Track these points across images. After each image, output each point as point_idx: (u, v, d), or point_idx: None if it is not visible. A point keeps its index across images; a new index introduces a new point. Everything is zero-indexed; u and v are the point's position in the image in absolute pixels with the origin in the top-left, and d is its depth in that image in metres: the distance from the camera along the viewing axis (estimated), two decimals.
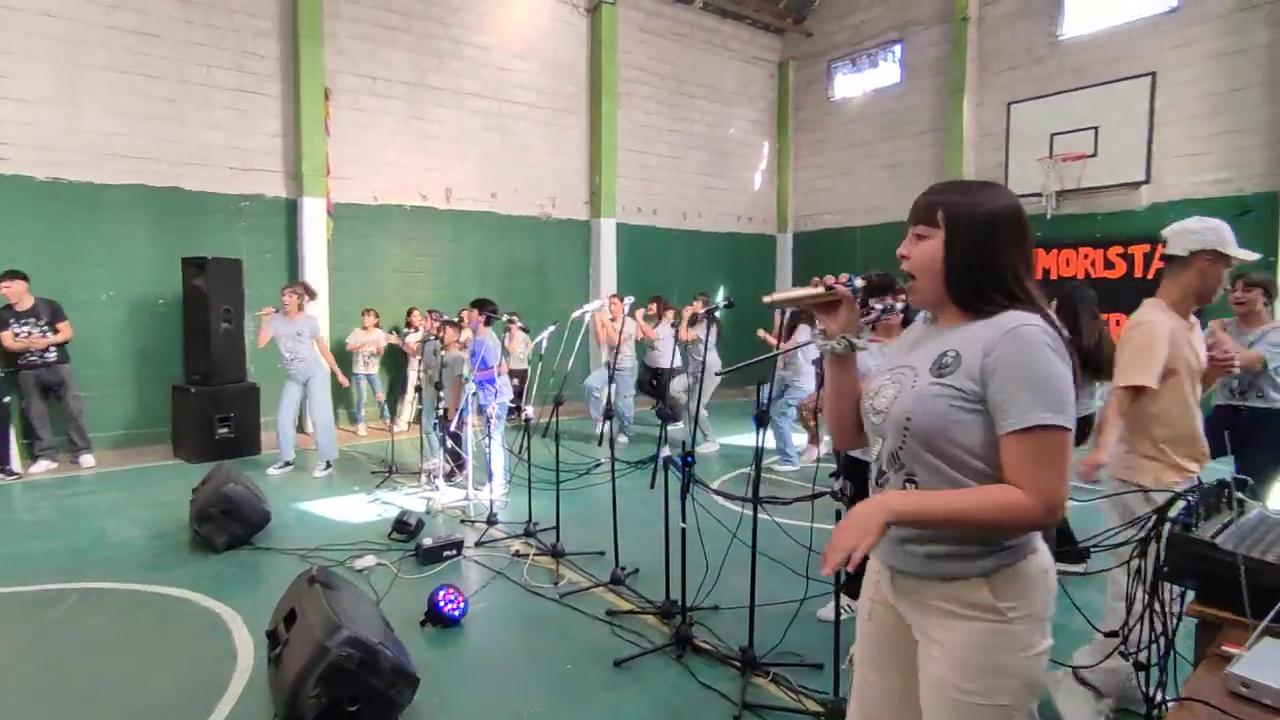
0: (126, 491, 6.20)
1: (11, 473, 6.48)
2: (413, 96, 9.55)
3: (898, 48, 11.89)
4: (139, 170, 7.80)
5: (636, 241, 11.70)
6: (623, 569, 4.16)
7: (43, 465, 6.75)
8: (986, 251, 1.39)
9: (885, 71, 12.17)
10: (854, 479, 2.81)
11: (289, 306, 6.62)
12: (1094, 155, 9.11)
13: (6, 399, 6.51)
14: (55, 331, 6.69)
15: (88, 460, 6.90)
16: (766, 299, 1.48)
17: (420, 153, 9.67)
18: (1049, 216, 9.54)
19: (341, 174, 8.99)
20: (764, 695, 2.98)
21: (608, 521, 4.32)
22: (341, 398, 9.23)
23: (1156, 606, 1.93)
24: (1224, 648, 1.53)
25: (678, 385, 8.16)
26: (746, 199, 13.40)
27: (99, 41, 7.50)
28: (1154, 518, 1.92)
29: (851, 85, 12.68)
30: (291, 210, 8.76)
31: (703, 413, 7.98)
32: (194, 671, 3.14)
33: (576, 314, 4.72)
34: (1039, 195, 9.58)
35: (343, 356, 9.05)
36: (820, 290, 1.49)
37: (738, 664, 3.13)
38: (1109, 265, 9.21)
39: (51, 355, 6.68)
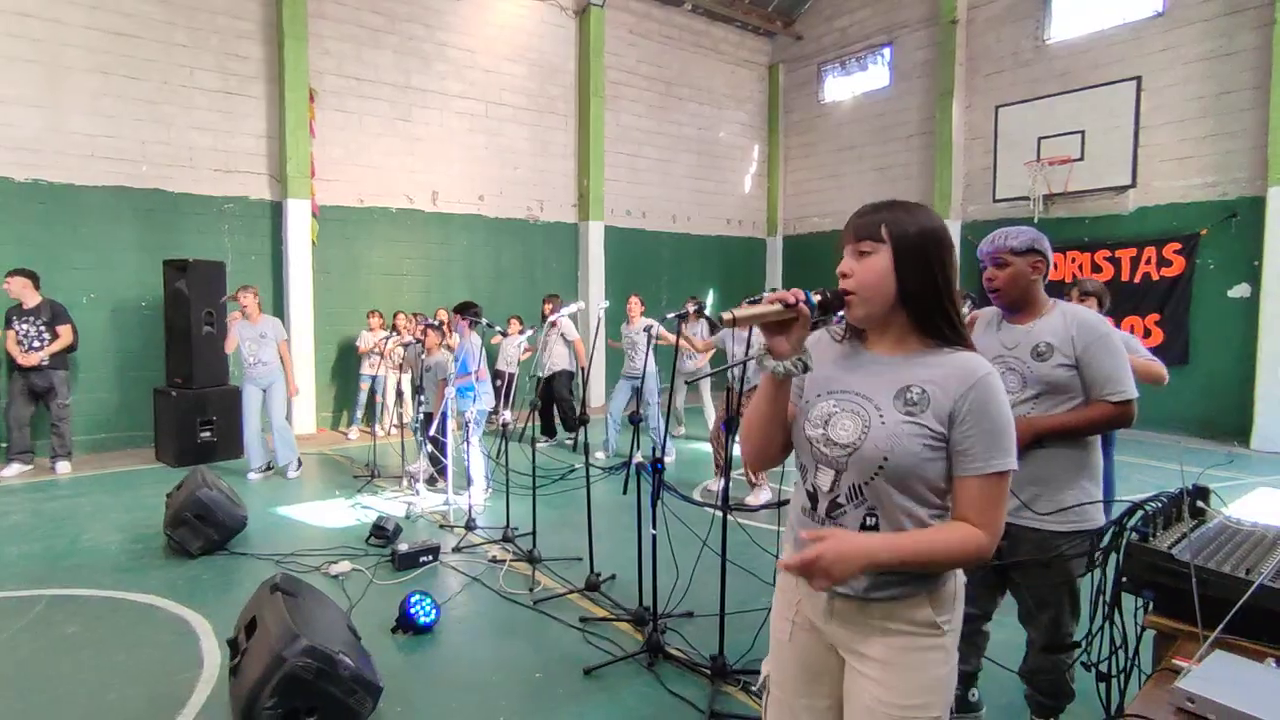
0: (106, 495, 6.13)
1: None
2: (399, 98, 9.52)
3: (887, 50, 11.90)
4: (121, 172, 7.75)
5: (625, 244, 11.67)
6: (598, 575, 4.13)
7: (14, 469, 6.66)
8: (932, 269, 1.39)
9: (874, 74, 12.18)
10: None
11: (249, 309, 6.46)
12: (1080, 159, 9.12)
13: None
14: (54, 335, 6.62)
15: (63, 467, 6.80)
16: (727, 315, 1.38)
17: (406, 155, 9.63)
18: (1036, 220, 9.54)
19: (327, 176, 8.95)
20: (733, 704, 2.95)
21: (587, 527, 4.29)
22: (346, 400, 9.20)
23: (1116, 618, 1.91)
24: (1175, 660, 1.51)
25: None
26: (736, 202, 13.38)
27: (80, 43, 7.45)
28: (1113, 528, 1.90)
29: (841, 88, 12.68)
30: (276, 212, 8.71)
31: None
32: (157, 681, 3.10)
33: (553, 317, 4.68)
34: (1026, 199, 9.59)
35: (350, 359, 9.05)
36: (780, 308, 1.39)
37: (708, 672, 3.10)
38: (1096, 269, 9.21)
39: (44, 360, 6.60)
